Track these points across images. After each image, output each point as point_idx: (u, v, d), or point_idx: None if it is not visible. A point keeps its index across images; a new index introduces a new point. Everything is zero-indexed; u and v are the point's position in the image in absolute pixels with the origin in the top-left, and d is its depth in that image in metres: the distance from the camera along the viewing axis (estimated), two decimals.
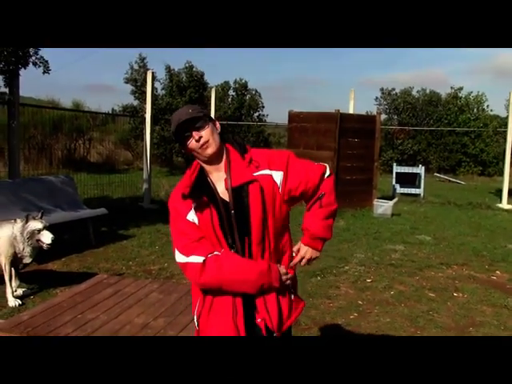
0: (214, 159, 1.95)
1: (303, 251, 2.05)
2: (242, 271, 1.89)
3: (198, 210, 1.92)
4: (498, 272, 6.51)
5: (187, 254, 1.91)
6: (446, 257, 7.19)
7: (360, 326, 4.52)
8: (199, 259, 1.89)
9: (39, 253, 4.95)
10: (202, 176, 1.98)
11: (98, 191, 10.85)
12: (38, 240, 4.69)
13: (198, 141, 1.89)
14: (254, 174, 1.93)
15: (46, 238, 4.67)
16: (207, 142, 1.90)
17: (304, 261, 2.06)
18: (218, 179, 1.97)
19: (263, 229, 1.93)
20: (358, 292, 5.50)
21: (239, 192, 1.93)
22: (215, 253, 1.91)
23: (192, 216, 1.93)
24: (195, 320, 2.02)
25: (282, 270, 1.99)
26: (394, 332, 4.41)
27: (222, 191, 1.95)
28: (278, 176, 1.96)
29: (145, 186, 10.69)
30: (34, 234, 4.67)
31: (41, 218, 4.82)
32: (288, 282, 2.00)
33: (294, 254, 2.06)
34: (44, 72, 6.87)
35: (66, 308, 3.20)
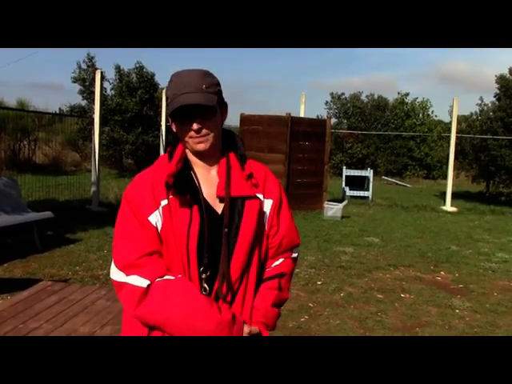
0: (205, 154, 1.56)
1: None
2: (195, 314, 1.42)
3: (169, 211, 1.47)
4: (442, 273, 6.73)
5: (128, 272, 1.44)
6: (394, 258, 7.37)
7: (310, 329, 4.56)
8: (142, 282, 1.43)
9: None
10: (187, 168, 1.56)
11: (44, 193, 10.49)
12: None
13: (194, 131, 1.49)
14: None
15: None
16: (207, 135, 1.51)
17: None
18: (206, 180, 1.57)
19: (248, 259, 1.55)
20: (308, 294, 5.54)
21: (232, 206, 1.54)
22: (166, 277, 1.45)
23: (156, 218, 1.47)
24: None
25: (248, 329, 1.52)
26: (344, 334, 4.47)
27: (210, 196, 1.55)
28: (268, 205, 1.64)
29: (93, 188, 10.42)
30: None
31: None
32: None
33: None
34: None
35: (6, 317, 3.05)
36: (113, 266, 1.49)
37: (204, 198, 1.53)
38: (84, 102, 18.63)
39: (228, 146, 1.64)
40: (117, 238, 1.51)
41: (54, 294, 3.59)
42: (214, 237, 1.50)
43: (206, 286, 1.49)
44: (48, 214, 7.16)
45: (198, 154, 1.57)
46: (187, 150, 1.58)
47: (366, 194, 14.06)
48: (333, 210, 10.59)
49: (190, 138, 1.51)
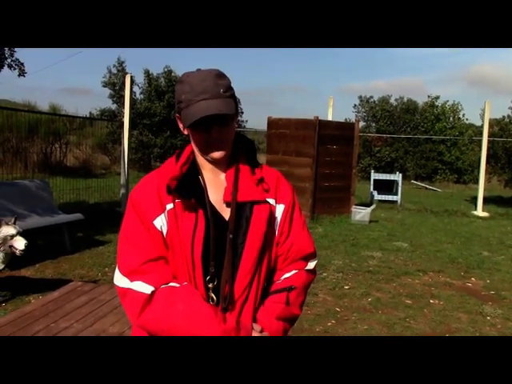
0: (219, 161, 1.51)
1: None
2: (199, 323, 1.36)
3: (175, 215, 1.42)
4: (473, 279, 6.59)
5: (132, 278, 1.39)
6: (423, 264, 7.25)
7: (338, 334, 4.52)
8: (146, 288, 1.37)
9: (13, 258, 4.84)
10: (194, 171, 1.50)
11: (74, 196, 10.69)
12: (11, 246, 4.57)
13: (215, 139, 1.44)
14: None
15: (20, 243, 4.56)
16: (224, 143, 1.46)
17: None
18: (214, 184, 1.51)
19: (256, 267, 1.47)
20: (335, 299, 5.50)
21: (239, 211, 1.47)
22: (171, 284, 1.40)
23: (161, 222, 1.42)
24: None
25: (257, 328, 1.46)
26: None
27: (217, 202, 1.48)
28: (279, 210, 1.56)
29: (122, 190, 10.56)
30: (6, 239, 4.56)
31: (14, 223, 4.71)
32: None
33: None
34: (19, 75, 6.76)
35: (38, 317, 3.12)
36: (117, 271, 1.43)
37: (210, 203, 1.46)
38: (114, 106, 18.97)
39: (239, 149, 1.57)
40: (121, 243, 1.45)
41: (83, 294, 3.65)
42: (221, 244, 1.43)
43: (213, 295, 1.43)
44: (78, 215, 7.29)
45: (208, 160, 1.51)
46: (196, 152, 1.52)
47: (394, 198, 13.88)
48: (361, 214, 10.49)
49: (207, 145, 1.45)
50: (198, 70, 1.47)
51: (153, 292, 1.37)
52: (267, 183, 1.54)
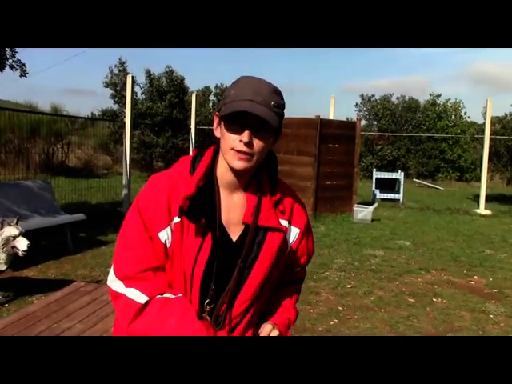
0: (238, 173, 1.38)
1: (269, 332, 1.49)
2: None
3: (181, 230, 1.35)
4: (475, 277, 6.58)
5: (127, 284, 1.34)
6: (425, 262, 7.24)
7: (340, 332, 4.51)
8: (141, 298, 1.32)
9: (15, 259, 4.84)
10: (210, 186, 1.39)
11: (77, 196, 10.71)
12: (14, 247, 4.58)
13: (243, 142, 1.30)
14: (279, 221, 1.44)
15: (22, 244, 4.57)
16: (252, 155, 1.33)
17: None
18: (227, 202, 1.41)
19: (258, 293, 1.43)
20: (338, 298, 5.49)
21: (253, 235, 1.41)
22: (166, 295, 1.36)
23: (166, 235, 1.35)
24: None
25: (268, 327, 1.50)
26: None
27: (227, 221, 1.40)
28: (294, 234, 1.51)
29: (124, 191, 10.57)
30: (9, 240, 4.57)
31: (16, 223, 4.72)
32: None
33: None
34: (21, 75, 6.76)
35: (40, 317, 3.12)
36: (111, 273, 1.38)
37: (221, 223, 1.38)
38: (115, 106, 18.97)
39: (262, 164, 1.43)
40: (120, 246, 1.38)
41: (86, 294, 3.65)
42: (225, 267, 1.38)
43: (208, 318, 1.39)
44: (80, 216, 7.29)
45: (230, 170, 1.38)
46: (219, 162, 1.40)
47: (396, 196, 13.87)
48: (363, 212, 10.48)
49: (233, 149, 1.31)
50: (260, 78, 1.38)
51: (147, 302, 1.32)
52: (283, 204, 1.47)
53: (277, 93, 1.36)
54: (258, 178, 1.44)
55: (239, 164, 1.32)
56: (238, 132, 1.31)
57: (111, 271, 1.39)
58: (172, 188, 1.36)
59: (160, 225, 1.34)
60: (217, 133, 1.39)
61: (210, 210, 1.37)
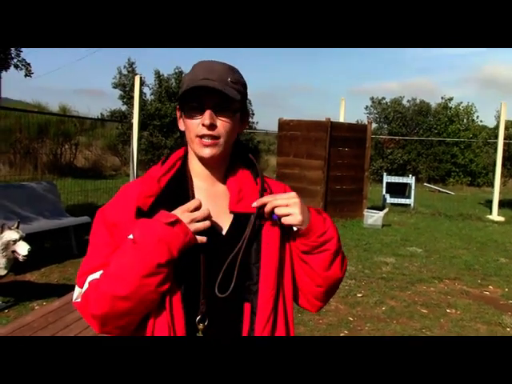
0: (210, 164, 1.28)
1: (285, 200, 1.22)
2: (125, 253, 1.13)
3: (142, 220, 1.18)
4: (490, 287, 6.37)
5: (84, 278, 1.20)
6: (438, 270, 7.03)
7: None
8: (97, 274, 1.17)
9: (17, 262, 4.70)
10: (180, 181, 1.27)
11: (83, 197, 10.60)
12: (14, 251, 4.44)
13: (205, 126, 1.20)
14: None
15: (22, 249, 4.43)
16: (217, 138, 1.22)
17: (278, 212, 1.22)
18: (205, 192, 1.28)
19: (277, 287, 1.23)
20: (348, 308, 5.31)
21: (244, 224, 1.24)
22: None
23: None
24: None
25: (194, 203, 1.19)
26: None
27: (214, 213, 1.22)
28: None
29: None
30: (9, 244, 4.43)
31: (17, 227, 4.58)
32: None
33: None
34: (26, 75, 6.65)
35: (36, 329, 2.97)
36: (77, 289, 1.21)
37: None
38: (124, 107, 18.90)
39: (237, 158, 1.34)
40: (84, 260, 1.23)
41: None
42: (216, 267, 1.18)
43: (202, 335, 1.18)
44: (85, 218, 7.17)
45: (203, 163, 1.28)
46: (190, 156, 1.30)
47: (407, 201, 13.62)
48: (373, 217, 10.27)
49: (198, 136, 1.21)
50: (214, 60, 1.29)
51: (101, 275, 1.16)
52: (271, 190, 1.31)
53: (233, 70, 1.27)
54: (236, 170, 1.32)
55: (207, 151, 1.22)
56: (199, 116, 1.21)
57: (76, 289, 1.22)
58: (142, 190, 1.22)
59: (130, 229, 1.15)
60: (181, 126, 1.30)
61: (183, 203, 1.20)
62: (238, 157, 1.35)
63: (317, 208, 1.32)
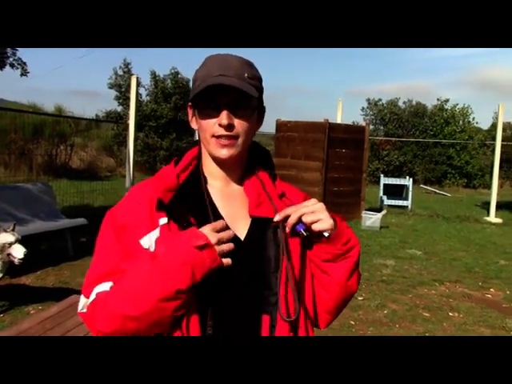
0: (227, 164, 1.21)
1: (312, 207, 1.15)
2: (142, 273, 1.04)
3: (167, 235, 1.08)
4: (492, 290, 6.31)
5: (92, 288, 1.11)
6: (438, 273, 6.97)
7: None
8: (107, 286, 1.09)
9: (13, 265, 4.59)
10: (196, 180, 1.19)
11: (79, 199, 10.47)
12: (9, 254, 4.33)
13: (223, 126, 1.12)
14: None
15: (18, 252, 4.32)
16: (235, 138, 1.14)
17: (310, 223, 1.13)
18: (224, 196, 1.21)
19: (298, 300, 1.13)
20: (349, 311, 5.22)
21: (263, 230, 1.17)
22: None
23: (149, 241, 1.09)
24: None
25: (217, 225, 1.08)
26: None
27: (230, 215, 1.17)
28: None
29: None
30: (4, 247, 4.32)
31: (13, 230, 4.47)
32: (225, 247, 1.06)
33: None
34: (22, 74, 6.54)
35: (33, 336, 2.86)
36: (82, 298, 1.13)
37: (219, 219, 1.11)
38: (120, 108, 18.78)
39: (254, 160, 1.27)
40: (90, 268, 1.14)
41: None
42: (235, 275, 1.11)
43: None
44: (81, 220, 7.06)
45: (218, 163, 1.20)
46: (203, 156, 1.23)
47: (404, 203, 13.59)
48: (371, 219, 10.21)
49: (214, 136, 1.14)
50: (228, 53, 1.20)
51: (111, 287, 1.08)
52: (290, 199, 1.24)
53: (249, 65, 1.18)
54: (254, 171, 1.25)
55: (224, 152, 1.15)
56: (215, 115, 1.13)
57: (81, 298, 1.13)
58: (160, 185, 1.15)
59: (140, 231, 1.10)
60: (193, 124, 1.23)
61: (199, 206, 1.15)
62: (254, 157, 1.28)
63: (338, 215, 1.24)
